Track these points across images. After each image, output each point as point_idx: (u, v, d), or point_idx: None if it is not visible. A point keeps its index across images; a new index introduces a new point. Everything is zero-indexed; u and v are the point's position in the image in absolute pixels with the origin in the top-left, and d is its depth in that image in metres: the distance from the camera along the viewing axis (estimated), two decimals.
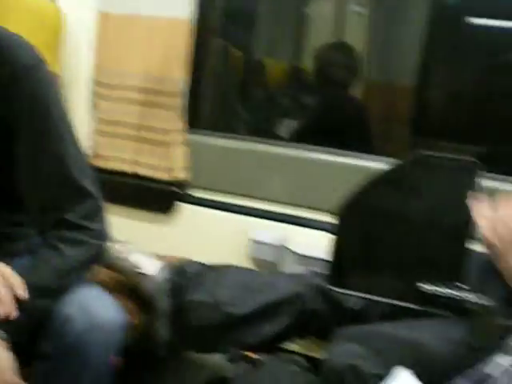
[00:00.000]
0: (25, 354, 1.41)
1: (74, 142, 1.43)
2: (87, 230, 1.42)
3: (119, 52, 2.30)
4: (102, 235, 1.46)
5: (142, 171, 2.30)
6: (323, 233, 1.98)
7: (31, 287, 1.36)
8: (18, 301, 1.34)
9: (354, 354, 1.48)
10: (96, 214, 1.45)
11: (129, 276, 1.91)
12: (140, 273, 1.90)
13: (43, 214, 1.44)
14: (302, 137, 2.49)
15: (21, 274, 1.37)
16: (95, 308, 1.39)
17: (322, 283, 1.78)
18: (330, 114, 2.72)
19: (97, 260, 1.49)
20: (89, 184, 1.44)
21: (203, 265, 1.94)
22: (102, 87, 2.32)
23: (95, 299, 1.42)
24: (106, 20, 2.31)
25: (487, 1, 2.79)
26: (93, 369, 1.40)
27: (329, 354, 1.52)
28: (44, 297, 1.39)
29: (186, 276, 1.89)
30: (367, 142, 2.67)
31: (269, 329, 1.80)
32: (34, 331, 1.41)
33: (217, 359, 1.85)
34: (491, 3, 2.76)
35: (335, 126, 2.61)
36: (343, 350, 1.51)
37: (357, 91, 2.87)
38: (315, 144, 2.23)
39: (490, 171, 1.77)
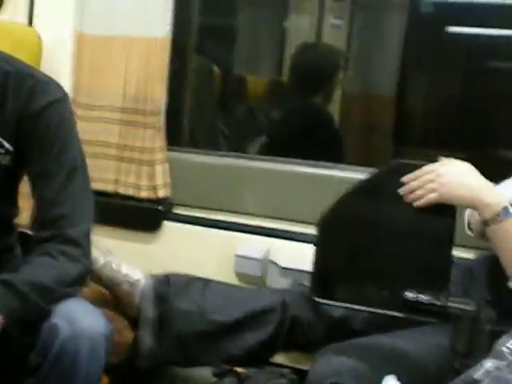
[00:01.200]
0: (15, 369, 1.46)
1: (84, 169, 1.60)
2: (82, 248, 1.50)
3: (97, 72, 2.31)
4: (91, 256, 1.54)
5: (125, 190, 2.30)
6: (307, 245, 1.98)
7: (33, 284, 1.40)
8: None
9: (338, 371, 1.47)
10: (89, 237, 1.54)
11: (114, 286, 1.91)
12: (125, 282, 1.90)
13: (45, 227, 1.51)
14: (282, 150, 2.50)
15: (23, 271, 1.42)
16: (80, 317, 1.41)
17: (306, 293, 1.78)
18: (307, 126, 2.72)
19: (86, 278, 1.57)
20: (89, 209, 1.56)
21: (188, 276, 1.94)
22: (81, 108, 2.32)
23: (80, 309, 1.44)
24: (83, 41, 2.32)
25: (463, 9, 2.82)
26: (81, 378, 1.41)
27: (312, 370, 1.52)
28: (44, 297, 1.42)
29: (170, 285, 1.89)
30: (346, 152, 2.68)
31: (253, 338, 1.80)
32: (23, 345, 1.43)
33: (202, 373, 1.84)
34: (467, 11, 2.79)
35: (313, 138, 2.62)
36: (327, 367, 1.50)
37: (336, 102, 2.88)
38: (294, 157, 2.24)
39: None
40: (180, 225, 2.29)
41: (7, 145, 1.53)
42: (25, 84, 1.54)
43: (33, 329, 1.42)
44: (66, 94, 1.60)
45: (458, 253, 1.63)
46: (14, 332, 1.39)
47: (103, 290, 1.89)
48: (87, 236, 1.53)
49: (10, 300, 1.36)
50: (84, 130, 2.31)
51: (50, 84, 1.57)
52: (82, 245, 1.51)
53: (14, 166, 1.55)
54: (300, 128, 2.66)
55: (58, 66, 2.32)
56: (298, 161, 2.23)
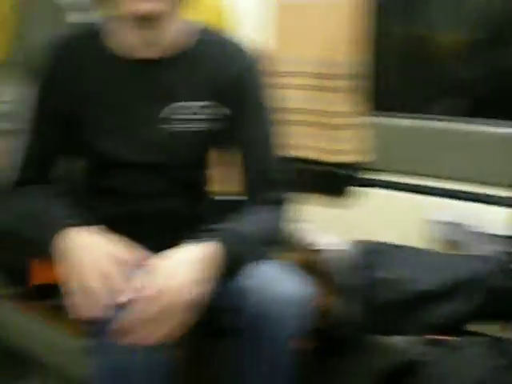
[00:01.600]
0: (209, 331, 1.52)
1: (279, 136, 1.66)
2: (283, 212, 1.58)
3: (289, 39, 2.34)
4: (289, 221, 1.60)
5: (319, 156, 2.32)
6: (506, 209, 1.91)
7: (249, 236, 1.47)
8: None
9: None
10: (289, 202, 1.61)
11: (313, 254, 1.93)
12: (325, 250, 1.92)
13: (249, 192, 1.61)
14: (482, 111, 2.39)
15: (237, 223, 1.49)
16: (278, 280, 1.43)
17: (506, 261, 1.72)
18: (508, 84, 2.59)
19: (283, 241, 1.61)
20: (289, 175, 1.64)
21: (386, 244, 1.93)
22: (277, 76, 2.35)
23: (279, 273, 1.46)
24: (276, 8, 2.36)
25: None
26: (274, 342, 1.42)
27: None
28: (252, 251, 1.48)
29: (373, 253, 1.89)
30: None
31: (453, 307, 1.76)
32: (217, 308, 1.46)
33: (402, 342, 1.83)
34: None
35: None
36: None
37: None
38: (496, 118, 2.15)
39: None
40: (376, 190, 2.29)
41: (217, 111, 1.59)
42: (223, 51, 1.61)
43: (226, 290, 1.44)
44: (261, 61, 1.65)
45: None
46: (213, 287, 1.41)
47: (307, 256, 1.92)
48: (288, 200, 1.59)
49: (235, 246, 1.42)
50: (279, 96, 2.36)
51: (246, 50, 1.63)
52: (283, 208, 1.58)
53: (214, 132, 1.61)
54: (501, 87, 2.54)
55: (252, 33, 2.37)
56: (500, 122, 2.14)
